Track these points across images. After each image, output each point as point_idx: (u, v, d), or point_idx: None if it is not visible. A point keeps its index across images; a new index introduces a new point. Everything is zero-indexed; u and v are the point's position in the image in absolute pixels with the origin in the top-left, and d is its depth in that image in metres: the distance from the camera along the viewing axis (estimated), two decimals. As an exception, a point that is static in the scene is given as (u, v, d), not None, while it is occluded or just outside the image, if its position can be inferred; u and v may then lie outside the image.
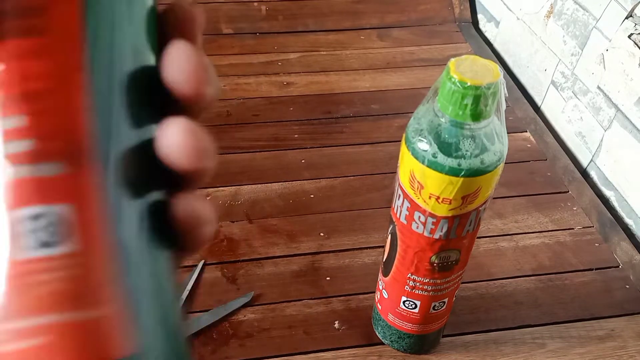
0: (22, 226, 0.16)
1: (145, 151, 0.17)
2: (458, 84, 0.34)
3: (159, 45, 0.17)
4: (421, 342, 0.50)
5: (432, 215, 0.38)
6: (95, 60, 0.16)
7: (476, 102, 0.34)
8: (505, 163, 0.38)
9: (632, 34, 0.62)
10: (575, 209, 0.65)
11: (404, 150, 0.38)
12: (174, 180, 0.18)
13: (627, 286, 0.57)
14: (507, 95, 0.36)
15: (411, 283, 0.44)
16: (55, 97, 0.16)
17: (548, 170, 0.70)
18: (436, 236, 0.39)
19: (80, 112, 0.16)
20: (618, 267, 0.59)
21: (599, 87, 0.68)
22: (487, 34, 0.94)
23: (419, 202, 0.38)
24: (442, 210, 0.38)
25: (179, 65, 0.16)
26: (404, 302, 0.45)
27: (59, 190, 0.16)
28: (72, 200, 0.16)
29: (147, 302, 0.17)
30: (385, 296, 0.47)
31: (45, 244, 0.16)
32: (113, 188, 0.17)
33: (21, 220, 0.16)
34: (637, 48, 0.61)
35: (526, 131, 0.75)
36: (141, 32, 0.17)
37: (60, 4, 0.16)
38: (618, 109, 0.65)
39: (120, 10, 0.17)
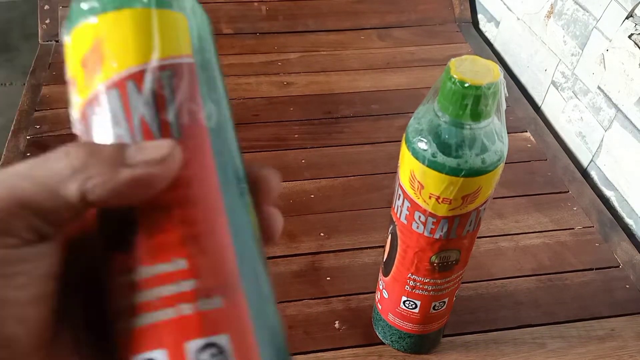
0: (194, 356, 0.18)
1: (265, 275, 0.21)
2: (458, 84, 0.34)
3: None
4: (421, 342, 0.50)
5: (432, 215, 0.38)
6: (229, 207, 0.20)
7: (476, 102, 0.34)
8: (506, 163, 0.38)
9: (632, 34, 0.62)
10: (575, 209, 0.65)
11: (404, 150, 0.38)
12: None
13: (627, 286, 0.57)
14: (507, 95, 0.36)
15: (411, 283, 0.44)
16: (208, 240, 0.19)
17: (548, 170, 0.70)
18: (436, 236, 0.40)
19: (227, 251, 0.19)
20: (618, 267, 0.59)
21: (599, 87, 0.68)
22: (487, 34, 0.94)
23: (419, 202, 0.38)
24: (443, 210, 0.38)
25: (277, 228, 0.22)
26: (404, 302, 0.45)
27: (220, 322, 0.18)
28: (230, 330, 0.18)
29: None
30: (386, 296, 0.47)
31: None
32: (255, 314, 0.19)
33: (194, 351, 0.18)
34: (637, 48, 0.61)
35: (526, 131, 0.75)
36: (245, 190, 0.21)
37: (200, 177, 0.19)
38: (618, 109, 0.65)
39: (235, 169, 0.21)
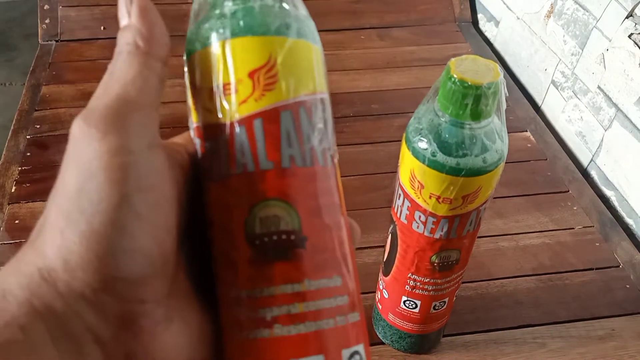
0: None
1: None
2: (458, 83, 0.34)
3: None
4: (421, 341, 0.50)
5: (432, 215, 0.38)
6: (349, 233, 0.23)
7: (476, 102, 0.34)
8: (506, 163, 0.38)
9: (632, 34, 0.62)
10: (575, 208, 0.65)
11: (404, 149, 0.38)
12: None
13: (628, 286, 0.57)
14: (507, 94, 0.36)
15: (412, 283, 0.43)
16: (351, 260, 0.22)
17: (548, 170, 0.70)
18: (436, 236, 0.39)
19: (356, 271, 0.22)
20: (618, 266, 0.59)
21: (599, 87, 0.68)
22: (487, 34, 0.94)
23: (420, 201, 0.38)
24: (443, 210, 0.38)
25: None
26: (404, 301, 0.45)
27: (360, 333, 0.22)
28: (364, 339, 0.22)
29: None
30: (386, 296, 0.47)
31: None
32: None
33: (347, 358, 0.21)
34: (637, 48, 0.61)
35: (526, 131, 0.75)
36: None
37: (341, 205, 0.22)
38: (618, 109, 0.65)
39: None
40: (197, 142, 0.22)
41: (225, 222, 0.21)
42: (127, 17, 0.20)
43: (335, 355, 0.20)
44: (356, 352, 0.21)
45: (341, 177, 0.23)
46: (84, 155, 0.18)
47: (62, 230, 0.19)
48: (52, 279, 0.18)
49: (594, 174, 0.70)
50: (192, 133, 0.22)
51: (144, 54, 0.20)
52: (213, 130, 0.21)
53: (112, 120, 0.19)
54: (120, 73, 0.20)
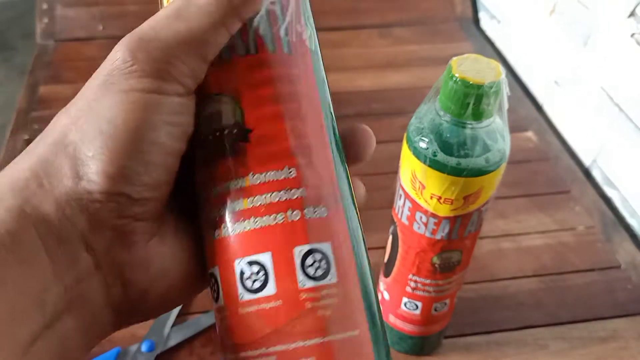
0: (299, 260, 0.19)
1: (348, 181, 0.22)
2: (460, 83, 0.33)
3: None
4: (423, 343, 0.49)
5: (433, 216, 0.38)
6: (328, 126, 0.22)
7: (478, 101, 0.34)
8: (508, 163, 0.37)
9: (634, 33, 0.62)
10: (577, 209, 0.65)
11: (405, 149, 0.38)
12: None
13: (630, 287, 0.57)
14: (509, 94, 0.35)
15: (412, 284, 0.43)
16: (315, 153, 0.20)
17: (550, 169, 0.70)
18: (438, 237, 0.39)
19: (331, 164, 0.21)
20: (620, 267, 0.59)
21: (601, 87, 0.68)
22: (489, 33, 0.94)
23: (421, 202, 0.38)
24: (444, 211, 0.37)
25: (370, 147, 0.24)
26: (405, 303, 0.45)
27: (325, 231, 0.20)
28: (332, 239, 0.20)
29: (379, 322, 0.20)
30: (387, 297, 0.47)
31: (317, 276, 0.19)
32: (351, 225, 0.21)
33: (299, 255, 0.19)
34: (639, 47, 0.61)
35: (528, 130, 0.75)
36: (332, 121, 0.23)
37: (307, 93, 0.21)
38: (620, 109, 0.64)
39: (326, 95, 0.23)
40: None
41: (194, 126, 0.21)
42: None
43: (285, 253, 0.19)
44: (316, 251, 0.19)
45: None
46: (120, 85, 0.19)
47: (76, 142, 0.19)
48: (50, 185, 0.19)
49: (596, 174, 0.70)
50: None
51: (232, 9, 0.20)
52: None
53: (159, 62, 0.19)
54: (194, 16, 0.20)
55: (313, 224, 0.19)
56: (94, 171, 0.19)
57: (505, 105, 0.36)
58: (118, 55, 0.20)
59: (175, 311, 0.51)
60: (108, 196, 0.19)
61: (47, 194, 0.19)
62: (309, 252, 0.19)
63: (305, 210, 0.19)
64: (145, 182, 0.19)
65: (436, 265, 0.41)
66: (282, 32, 0.20)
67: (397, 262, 0.43)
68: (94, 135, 0.19)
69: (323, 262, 0.19)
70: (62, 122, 0.20)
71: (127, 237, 0.20)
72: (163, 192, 0.21)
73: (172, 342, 0.49)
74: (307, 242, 0.19)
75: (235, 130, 0.20)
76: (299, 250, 0.19)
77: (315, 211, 0.20)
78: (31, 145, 0.20)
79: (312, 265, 0.19)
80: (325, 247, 0.19)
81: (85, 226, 0.19)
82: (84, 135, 0.19)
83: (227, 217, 0.20)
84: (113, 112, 0.19)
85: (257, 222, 0.19)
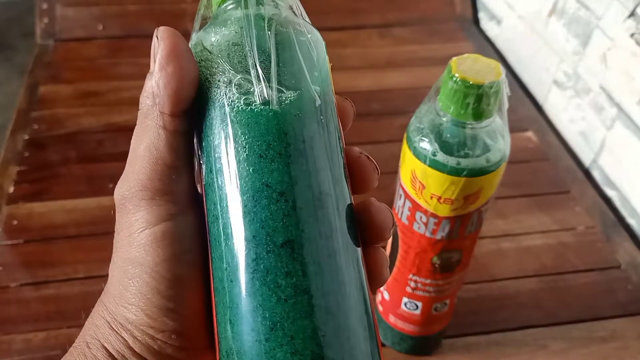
0: None
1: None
2: (460, 83, 0.33)
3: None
4: (423, 343, 0.49)
5: (433, 216, 0.38)
6: None
7: (478, 101, 0.34)
8: (508, 163, 0.37)
9: (634, 34, 0.62)
10: (577, 209, 0.65)
11: (405, 149, 0.38)
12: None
13: (630, 287, 0.57)
14: (509, 94, 0.35)
15: (412, 284, 0.43)
16: None
17: (550, 170, 0.70)
18: (438, 237, 0.39)
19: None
20: (620, 267, 0.59)
21: (601, 87, 0.68)
22: (489, 33, 0.94)
23: (421, 202, 0.38)
24: (444, 211, 0.37)
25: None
26: (405, 303, 0.45)
27: None
28: None
29: None
30: (387, 297, 0.46)
31: None
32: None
33: None
34: (639, 47, 0.61)
35: (528, 130, 0.75)
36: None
37: None
38: (620, 109, 0.64)
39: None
40: None
41: None
42: (152, 62, 0.21)
43: None
44: None
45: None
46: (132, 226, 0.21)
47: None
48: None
49: (596, 174, 0.70)
50: None
51: (160, 113, 0.21)
52: None
53: (141, 198, 0.21)
54: (138, 144, 0.21)
55: None
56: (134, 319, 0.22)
57: (505, 105, 0.36)
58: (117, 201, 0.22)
59: None
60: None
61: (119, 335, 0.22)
62: None
63: None
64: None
65: (436, 265, 0.41)
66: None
67: (397, 262, 0.43)
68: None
69: None
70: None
71: None
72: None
73: None
74: None
75: None
76: None
77: None
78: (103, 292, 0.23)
79: None
80: None
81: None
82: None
83: None
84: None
85: None
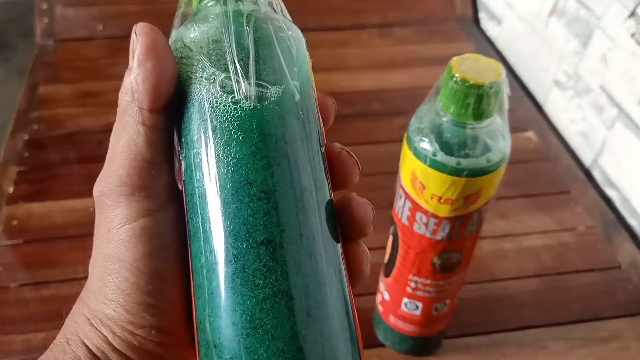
0: None
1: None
2: (460, 83, 0.33)
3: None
4: (423, 344, 0.49)
5: (434, 216, 0.38)
6: None
7: (478, 101, 0.34)
8: (508, 163, 0.37)
9: (634, 34, 0.62)
10: (577, 209, 0.65)
11: (405, 150, 0.38)
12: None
13: (630, 287, 0.57)
14: (509, 94, 0.35)
15: (413, 284, 0.43)
16: None
17: (551, 170, 0.70)
18: (438, 237, 0.39)
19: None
20: (620, 267, 0.59)
21: (601, 87, 0.68)
22: (489, 33, 0.94)
23: (421, 202, 0.38)
24: (444, 211, 0.37)
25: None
26: (405, 303, 0.45)
27: None
28: None
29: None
30: (387, 298, 0.46)
31: None
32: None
33: None
34: (639, 47, 0.61)
35: (528, 130, 0.75)
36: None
37: None
38: (621, 109, 0.64)
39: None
40: None
41: None
42: (131, 57, 0.21)
43: None
44: None
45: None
46: (111, 222, 0.21)
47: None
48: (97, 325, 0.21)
49: (596, 174, 0.70)
50: None
51: (139, 109, 0.21)
52: None
53: (120, 194, 0.21)
54: (117, 140, 0.22)
55: None
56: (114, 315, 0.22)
57: (506, 105, 0.36)
58: (96, 197, 0.22)
59: None
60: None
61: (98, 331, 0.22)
62: None
63: None
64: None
65: (436, 266, 0.41)
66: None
67: (397, 263, 0.43)
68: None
69: None
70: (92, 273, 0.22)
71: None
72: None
73: None
74: None
75: None
76: None
77: None
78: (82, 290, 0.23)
79: None
80: None
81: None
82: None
83: None
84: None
85: None
